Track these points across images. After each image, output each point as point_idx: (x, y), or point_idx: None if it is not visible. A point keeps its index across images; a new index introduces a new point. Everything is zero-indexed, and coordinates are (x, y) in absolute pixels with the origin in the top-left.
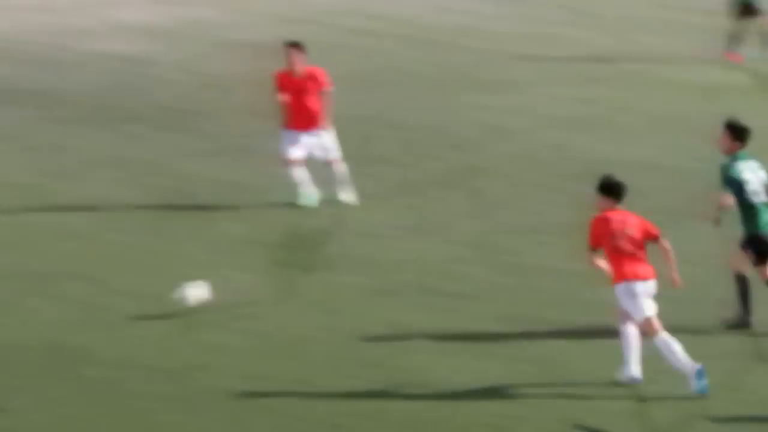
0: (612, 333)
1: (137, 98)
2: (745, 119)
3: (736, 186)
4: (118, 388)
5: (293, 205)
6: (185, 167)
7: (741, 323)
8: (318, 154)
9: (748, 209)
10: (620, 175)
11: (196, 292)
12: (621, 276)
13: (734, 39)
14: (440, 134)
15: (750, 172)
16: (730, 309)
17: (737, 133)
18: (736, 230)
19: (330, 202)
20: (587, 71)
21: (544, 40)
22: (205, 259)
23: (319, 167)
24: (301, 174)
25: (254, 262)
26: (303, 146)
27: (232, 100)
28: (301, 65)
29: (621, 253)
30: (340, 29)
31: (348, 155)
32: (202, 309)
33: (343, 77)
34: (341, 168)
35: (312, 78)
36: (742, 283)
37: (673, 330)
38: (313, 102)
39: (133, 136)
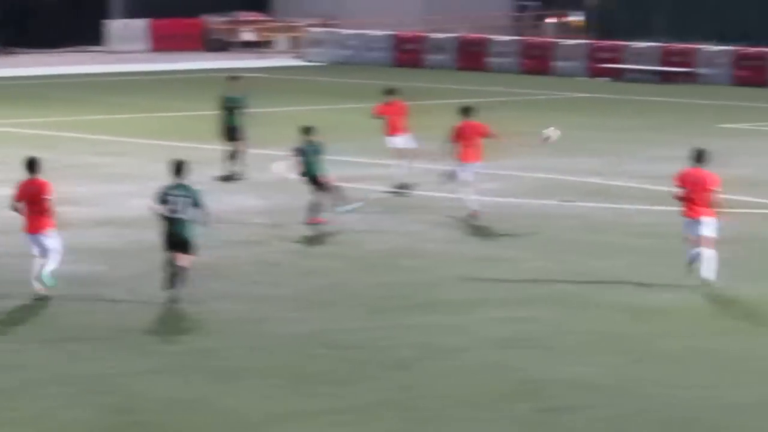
0: None
1: (81, 317)
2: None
3: None
4: None
5: None
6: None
7: None
8: None
9: None
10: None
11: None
12: None
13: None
14: (378, 354)
15: None
16: None
17: None
18: None
19: None
20: (524, 292)
21: (483, 261)
22: None
23: None
24: None
25: None
26: None
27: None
28: None
29: None
30: (283, 249)
31: (284, 374)
32: None
33: (284, 296)
34: None
35: None
36: None
37: None
38: None
39: (78, 354)
